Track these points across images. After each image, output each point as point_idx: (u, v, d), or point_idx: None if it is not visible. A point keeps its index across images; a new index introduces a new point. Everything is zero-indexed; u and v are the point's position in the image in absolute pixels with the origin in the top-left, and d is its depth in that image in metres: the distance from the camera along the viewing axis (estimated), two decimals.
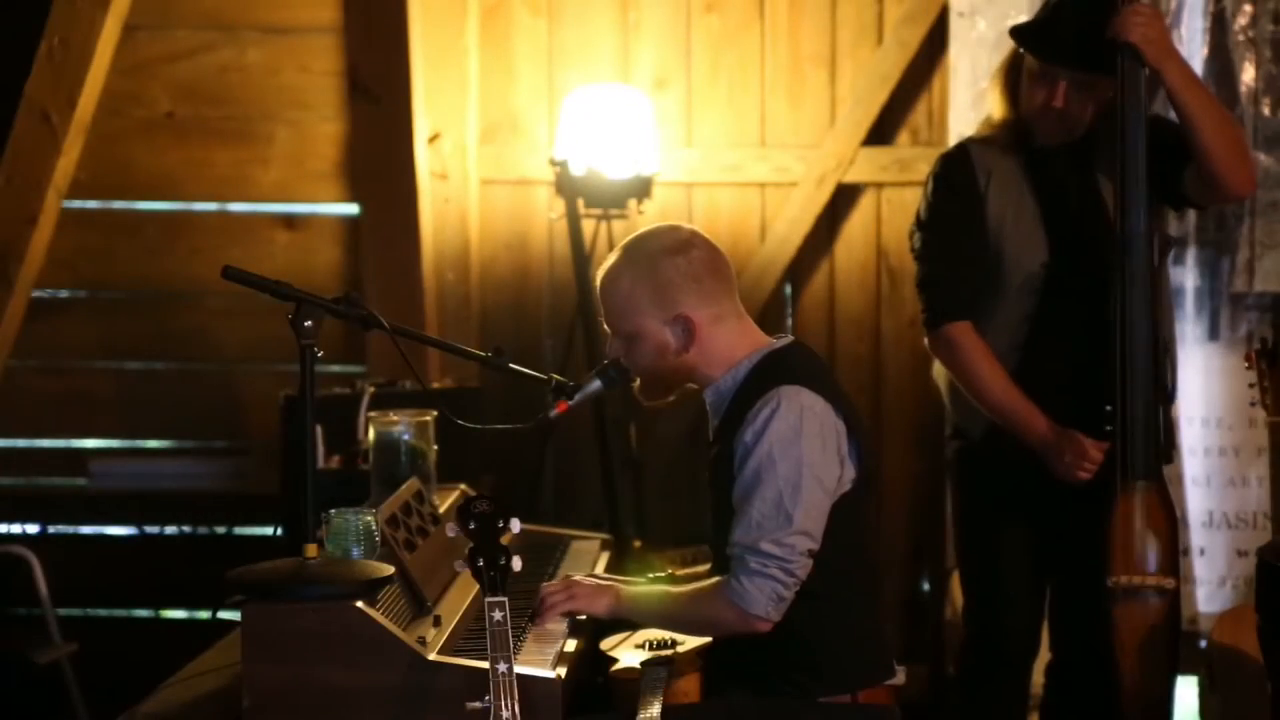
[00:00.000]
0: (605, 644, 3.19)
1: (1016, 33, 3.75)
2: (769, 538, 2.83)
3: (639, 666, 3.05)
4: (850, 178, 5.08)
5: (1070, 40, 3.66)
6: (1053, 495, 3.75)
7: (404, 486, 3.35)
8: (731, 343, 2.99)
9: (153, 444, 5.30)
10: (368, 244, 5.11)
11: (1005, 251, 3.75)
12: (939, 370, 4.01)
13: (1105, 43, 3.62)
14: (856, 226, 5.14)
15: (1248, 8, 4.68)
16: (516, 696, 2.60)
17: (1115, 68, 3.63)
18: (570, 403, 3.16)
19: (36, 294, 5.06)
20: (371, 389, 4.34)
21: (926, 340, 3.86)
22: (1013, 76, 3.78)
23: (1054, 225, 3.75)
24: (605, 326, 3.06)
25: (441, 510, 3.50)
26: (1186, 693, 3.99)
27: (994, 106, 3.83)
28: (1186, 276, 4.73)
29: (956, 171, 3.80)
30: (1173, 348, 3.86)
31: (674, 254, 2.98)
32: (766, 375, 2.93)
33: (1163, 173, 3.72)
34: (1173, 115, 3.79)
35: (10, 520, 5.11)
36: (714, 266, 3.00)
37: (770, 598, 2.84)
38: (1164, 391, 3.77)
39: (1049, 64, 3.67)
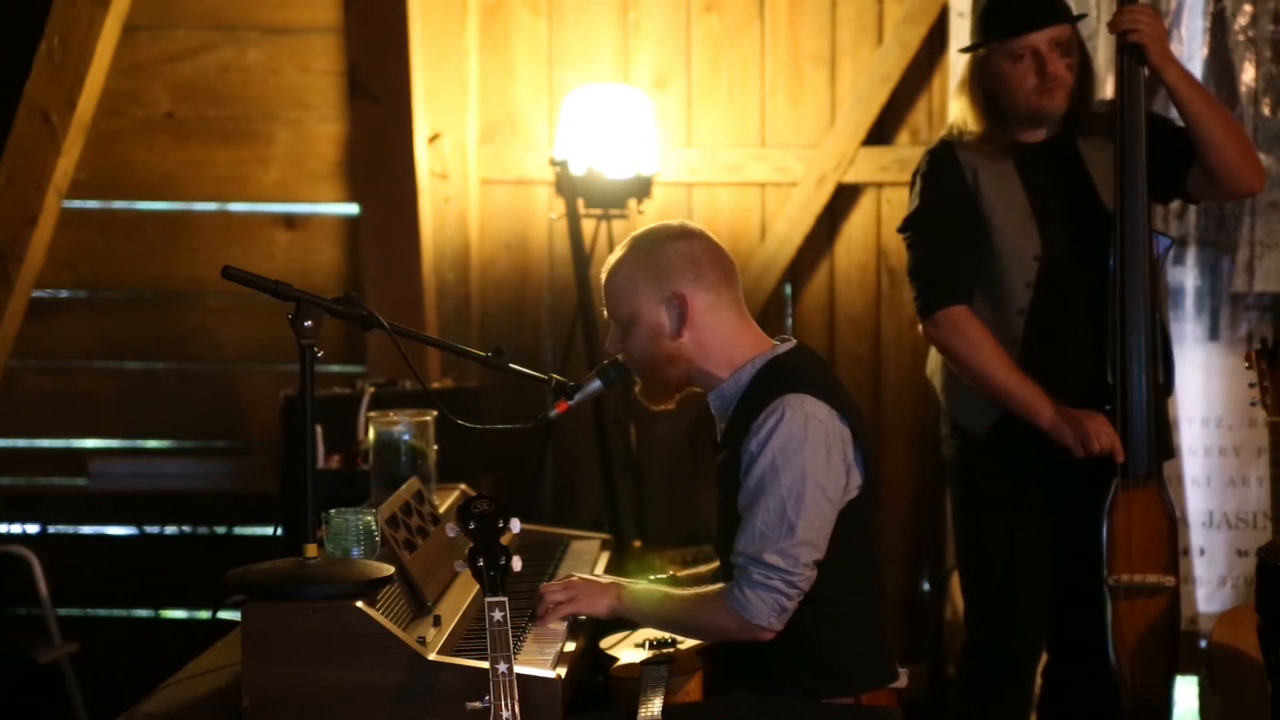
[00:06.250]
0: (605, 643, 3.19)
1: (981, 31, 3.74)
2: (773, 548, 2.83)
3: (639, 665, 3.05)
4: (850, 178, 5.08)
5: (1028, 6, 3.67)
6: (1058, 492, 3.75)
7: (404, 486, 3.35)
8: (731, 338, 2.98)
9: (153, 444, 5.30)
10: (368, 244, 5.11)
11: (998, 245, 3.75)
12: (933, 366, 3.99)
13: None
14: (856, 226, 5.14)
15: (1248, 8, 4.68)
16: (516, 696, 2.61)
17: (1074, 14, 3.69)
18: (570, 402, 3.17)
19: (36, 294, 5.06)
20: (371, 389, 4.34)
21: (922, 329, 3.83)
22: (980, 86, 3.77)
23: (1045, 217, 3.74)
24: (605, 315, 3.06)
25: (441, 510, 3.50)
26: (1186, 693, 3.99)
27: (968, 121, 3.79)
28: (1186, 276, 4.73)
29: (944, 167, 3.80)
30: (1168, 341, 3.86)
31: (675, 239, 2.99)
32: (771, 382, 2.92)
33: (1165, 171, 3.73)
34: (1172, 114, 3.81)
35: (10, 520, 5.11)
36: (714, 257, 3.00)
37: (773, 609, 2.84)
38: (1163, 387, 3.78)
39: (1027, 35, 3.66)
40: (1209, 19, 4.67)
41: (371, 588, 2.84)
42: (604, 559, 3.67)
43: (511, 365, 3.24)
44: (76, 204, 5.16)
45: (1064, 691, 3.93)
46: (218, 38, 5.13)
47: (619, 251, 3.03)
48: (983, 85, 3.76)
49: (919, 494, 5.11)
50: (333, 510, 3.09)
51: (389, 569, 2.91)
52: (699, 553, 4.50)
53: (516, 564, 2.76)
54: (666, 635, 3.13)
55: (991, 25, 3.72)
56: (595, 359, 4.57)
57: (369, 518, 3.08)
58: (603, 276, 3.04)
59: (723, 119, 5.13)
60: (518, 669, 2.65)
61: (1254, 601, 3.35)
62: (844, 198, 5.12)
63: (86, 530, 5.24)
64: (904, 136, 5.10)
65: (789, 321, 5.17)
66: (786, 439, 2.84)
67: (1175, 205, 4.47)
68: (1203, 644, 4.36)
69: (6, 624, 5.07)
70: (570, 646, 2.98)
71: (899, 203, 5.02)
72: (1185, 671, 3.88)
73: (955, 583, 4.64)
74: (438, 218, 5.13)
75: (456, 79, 5.12)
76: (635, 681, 2.99)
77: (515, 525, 2.79)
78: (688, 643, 3.11)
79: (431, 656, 2.77)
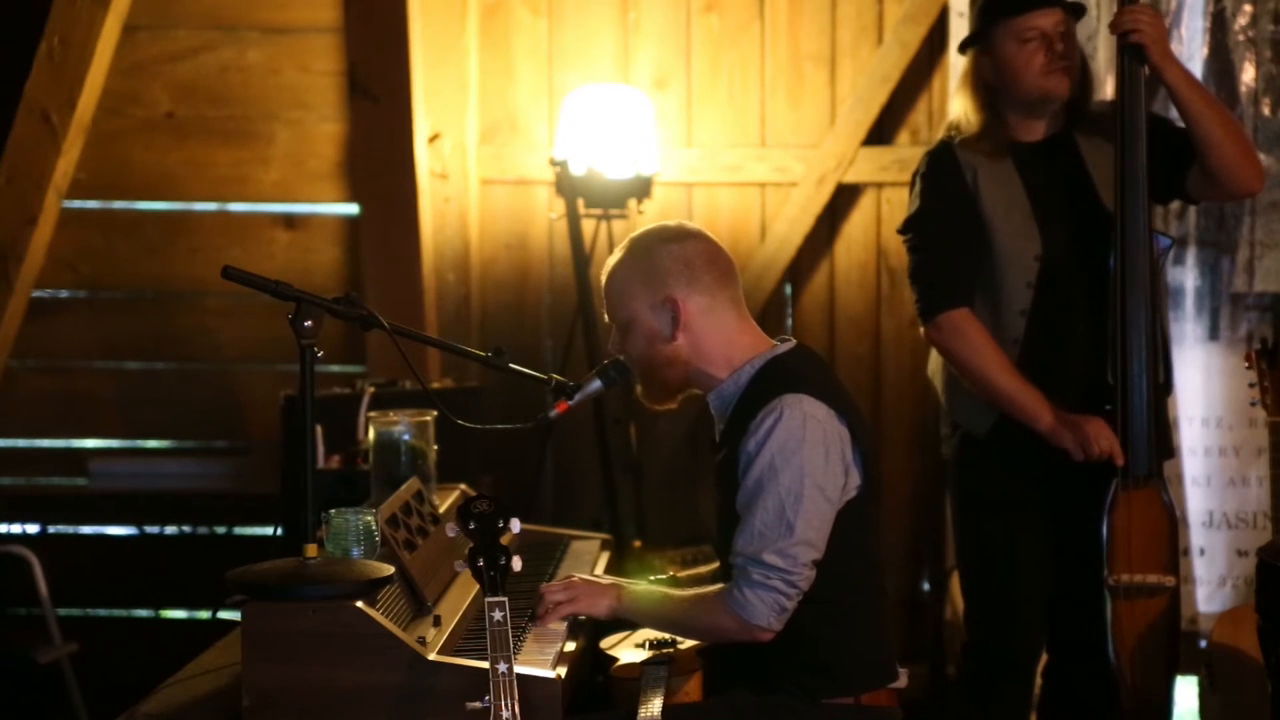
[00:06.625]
0: (605, 643, 3.19)
1: (987, 15, 3.75)
2: (772, 548, 2.83)
3: (639, 665, 3.05)
4: (850, 178, 5.08)
5: None
6: (1058, 492, 3.75)
7: (404, 486, 3.35)
8: (728, 339, 2.98)
9: (153, 444, 5.30)
10: (368, 244, 5.11)
11: (998, 246, 3.75)
12: (934, 367, 3.99)
13: None
14: (856, 226, 5.14)
15: (1248, 8, 4.67)
16: (516, 696, 2.60)
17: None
18: (570, 402, 3.17)
19: (36, 294, 5.06)
20: (371, 389, 4.34)
21: (923, 331, 3.84)
22: (981, 81, 3.78)
23: (1046, 217, 3.75)
24: (605, 318, 3.06)
25: (441, 510, 3.50)
26: (1186, 693, 3.99)
27: (968, 117, 3.80)
28: (1186, 276, 4.73)
29: (944, 168, 3.80)
30: (1168, 340, 3.86)
31: (669, 241, 2.99)
32: (770, 382, 2.92)
33: (1165, 171, 3.73)
34: (1172, 114, 3.81)
35: (10, 520, 5.11)
36: (710, 258, 2.99)
37: (772, 609, 2.84)
38: (1163, 387, 3.78)
39: (1033, 13, 3.67)
40: (1209, 19, 4.67)
41: (371, 588, 2.84)
42: (604, 559, 3.67)
43: (511, 365, 3.24)
44: (76, 204, 5.16)
45: (1064, 691, 3.93)
46: (218, 38, 5.13)
47: (616, 254, 3.04)
48: (984, 80, 3.76)
49: (919, 494, 5.11)
50: (333, 510, 3.09)
51: (389, 569, 2.91)
52: (699, 553, 4.49)
53: (516, 564, 2.75)
54: (666, 635, 3.13)
55: (998, 7, 3.73)
56: (595, 359, 4.57)
57: (369, 518, 3.08)
58: (602, 279, 3.05)
59: (723, 119, 5.13)
60: (518, 669, 2.65)
61: (1254, 601, 3.35)
62: (844, 198, 5.12)
63: (86, 530, 5.24)
64: (904, 136, 5.10)
65: (789, 321, 5.17)
66: (785, 439, 2.84)
67: (1175, 205, 4.47)
68: (1203, 644, 4.36)
69: (6, 624, 5.07)
70: (570, 646, 2.98)
71: (899, 203, 5.02)
72: (1185, 671, 3.88)
73: (955, 583, 4.64)
74: (438, 218, 5.13)
75: (456, 79, 5.12)
76: (635, 681, 2.99)
77: (515, 525, 2.79)
78: (688, 643, 3.11)
79: (431, 656, 2.77)
